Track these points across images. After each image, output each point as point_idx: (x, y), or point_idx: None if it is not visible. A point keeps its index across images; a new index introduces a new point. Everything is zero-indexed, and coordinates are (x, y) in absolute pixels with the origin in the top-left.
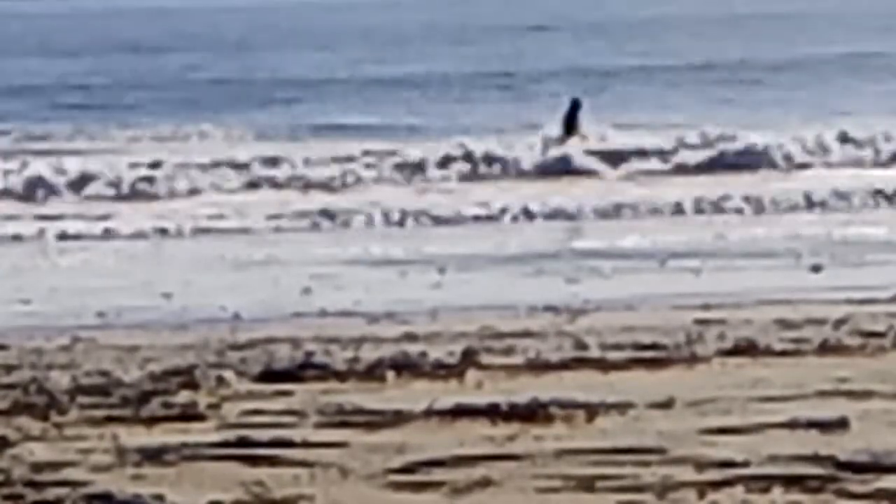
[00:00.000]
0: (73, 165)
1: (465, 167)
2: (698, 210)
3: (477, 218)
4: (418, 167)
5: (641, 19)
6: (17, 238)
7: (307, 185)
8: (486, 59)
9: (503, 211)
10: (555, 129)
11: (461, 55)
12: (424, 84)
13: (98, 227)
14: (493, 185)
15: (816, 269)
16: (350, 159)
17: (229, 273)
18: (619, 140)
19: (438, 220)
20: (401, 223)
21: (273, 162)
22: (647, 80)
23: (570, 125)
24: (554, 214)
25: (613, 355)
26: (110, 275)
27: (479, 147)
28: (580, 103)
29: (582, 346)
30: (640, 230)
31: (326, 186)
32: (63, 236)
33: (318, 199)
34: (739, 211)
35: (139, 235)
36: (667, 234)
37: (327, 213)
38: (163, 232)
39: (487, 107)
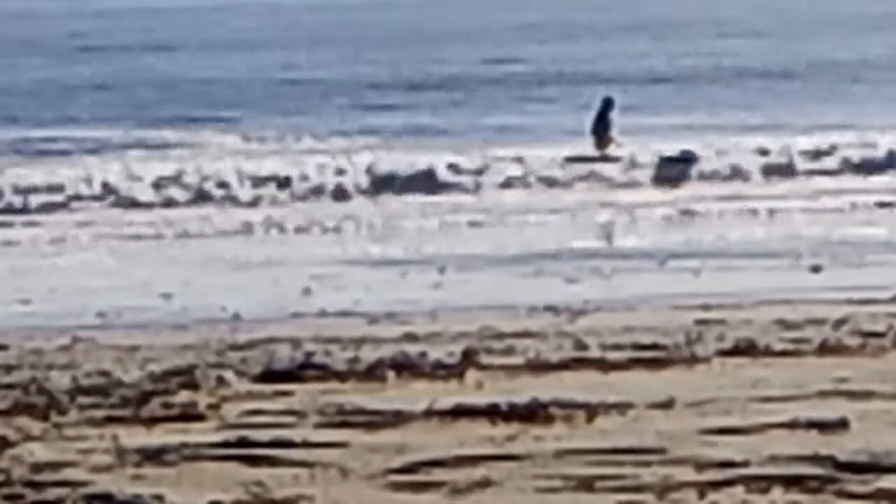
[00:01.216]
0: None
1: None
2: None
3: None
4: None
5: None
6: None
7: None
8: (513, 61)
9: None
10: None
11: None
12: (446, 86)
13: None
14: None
15: (816, 269)
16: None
17: (229, 273)
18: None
19: None
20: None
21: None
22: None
23: (602, 126)
24: None
25: (613, 355)
26: (110, 275)
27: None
28: (613, 102)
29: (582, 346)
30: None
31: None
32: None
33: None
34: None
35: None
36: (667, 233)
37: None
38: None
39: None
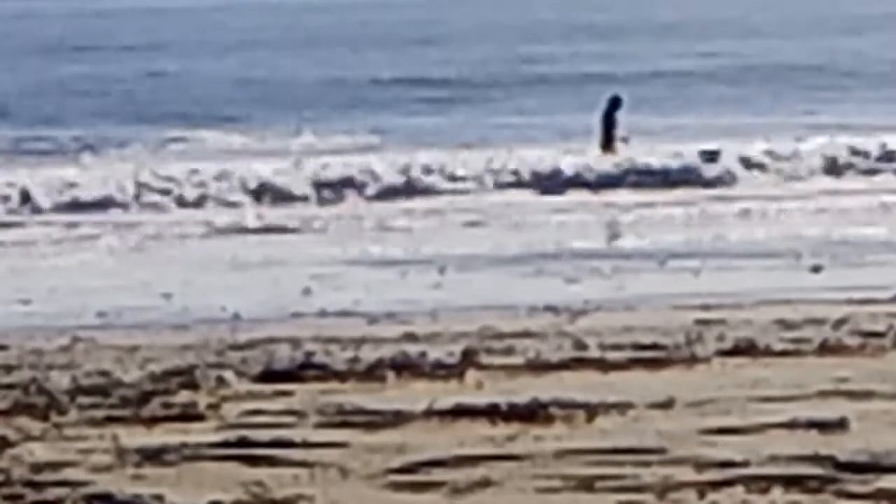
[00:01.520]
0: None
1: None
2: None
3: None
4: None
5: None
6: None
7: None
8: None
9: None
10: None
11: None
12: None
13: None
14: None
15: (816, 269)
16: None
17: (229, 273)
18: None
19: None
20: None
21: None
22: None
23: (609, 125)
24: None
25: (613, 355)
26: (110, 275)
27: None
28: (620, 101)
29: (582, 346)
30: None
31: None
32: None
33: None
34: None
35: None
36: (666, 233)
37: None
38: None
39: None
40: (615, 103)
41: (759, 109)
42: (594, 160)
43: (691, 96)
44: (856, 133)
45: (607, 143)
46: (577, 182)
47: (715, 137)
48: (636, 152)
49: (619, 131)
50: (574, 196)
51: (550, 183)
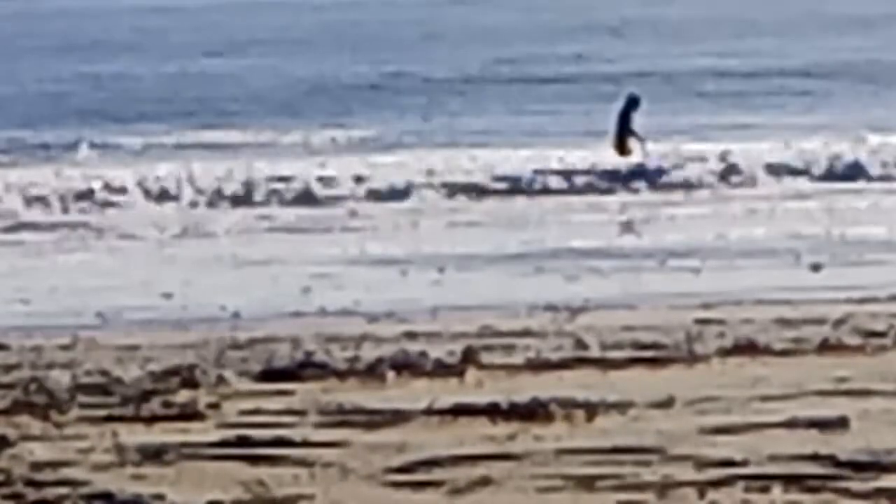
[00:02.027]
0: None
1: None
2: None
3: None
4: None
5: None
6: None
7: None
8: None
9: None
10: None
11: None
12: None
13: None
14: None
15: (816, 268)
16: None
17: (229, 273)
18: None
19: None
20: None
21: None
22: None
23: (625, 125)
24: None
25: (613, 355)
26: (110, 275)
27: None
28: (638, 100)
29: (582, 345)
30: None
31: None
32: None
33: None
34: None
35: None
36: (667, 233)
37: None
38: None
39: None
40: (632, 103)
41: (763, 109)
42: (604, 159)
43: (693, 96)
44: (856, 133)
45: (621, 143)
46: (579, 181)
47: (717, 137)
48: (645, 153)
49: (637, 131)
50: (576, 196)
51: (553, 182)
